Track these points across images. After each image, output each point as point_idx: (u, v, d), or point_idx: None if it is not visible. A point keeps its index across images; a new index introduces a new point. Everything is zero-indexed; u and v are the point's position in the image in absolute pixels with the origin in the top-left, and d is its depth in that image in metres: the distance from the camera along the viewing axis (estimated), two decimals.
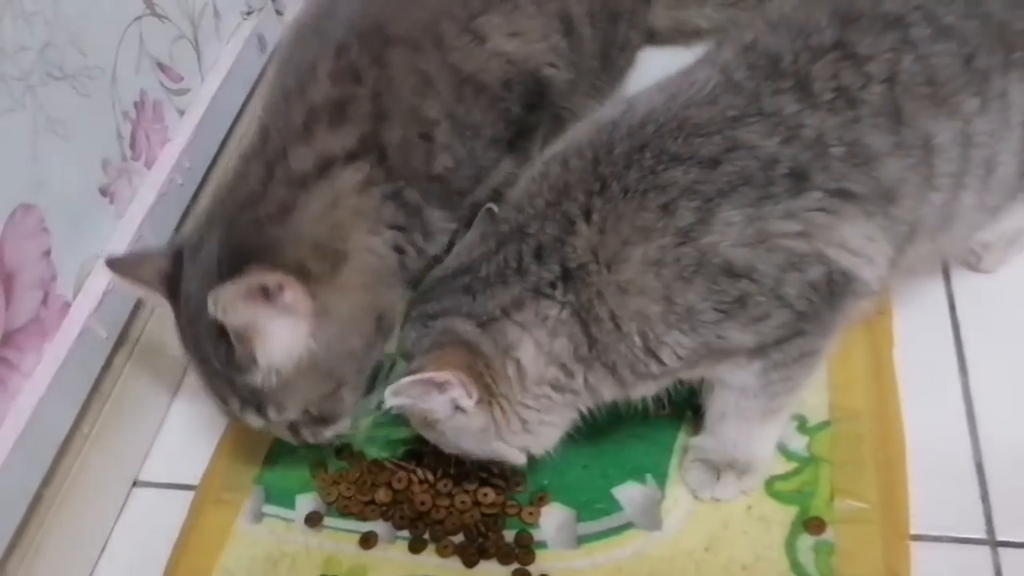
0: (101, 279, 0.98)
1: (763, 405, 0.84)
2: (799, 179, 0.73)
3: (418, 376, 0.75)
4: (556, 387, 0.79)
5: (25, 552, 0.88)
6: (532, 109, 1.00)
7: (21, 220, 0.89)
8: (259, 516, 0.97)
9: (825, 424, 0.93)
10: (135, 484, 1.04)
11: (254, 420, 0.87)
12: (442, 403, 0.77)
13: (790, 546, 0.86)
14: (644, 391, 0.81)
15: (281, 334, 0.82)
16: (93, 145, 1.00)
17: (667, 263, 0.73)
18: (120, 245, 1.01)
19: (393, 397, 0.76)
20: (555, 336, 0.76)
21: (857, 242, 0.76)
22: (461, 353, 0.76)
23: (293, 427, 0.88)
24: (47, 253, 0.93)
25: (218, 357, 0.84)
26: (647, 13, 1.21)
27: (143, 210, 1.05)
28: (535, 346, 0.77)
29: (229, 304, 0.78)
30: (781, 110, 0.75)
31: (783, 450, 0.92)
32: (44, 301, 0.93)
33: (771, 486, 0.90)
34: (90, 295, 0.97)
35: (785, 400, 0.85)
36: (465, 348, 0.77)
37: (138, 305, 1.04)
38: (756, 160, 0.73)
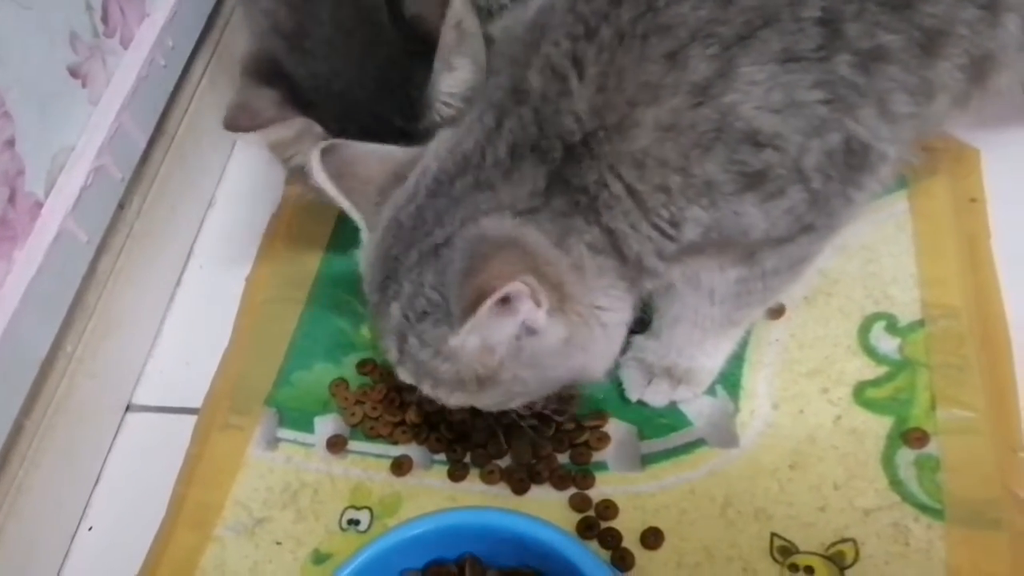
0: (77, 175, 0.84)
1: (726, 314, 0.74)
2: (831, 32, 0.60)
3: (488, 300, 0.57)
4: (620, 275, 0.66)
5: (7, 491, 0.77)
6: None
7: None
8: (274, 442, 0.86)
9: (919, 324, 0.82)
10: (128, 409, 0.92)
11: None
12: (507, 333, 0.63)
13: (888, 461, 0.75)
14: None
15: None
16: (58, 16, 0.84)
17: (683, 128, 0.60)
18: (96, 136, 0.87)
19: (448, 361, 0.64)
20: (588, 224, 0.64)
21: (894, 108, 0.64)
22: (513, 254, 0.60)
23: None
24: (11, 143, 0.78)
25: None
26: None
27: (121, 96, 0.90)
28: (577, 235, 0.63)
29: None
30: None
31: (871, 353, 0.81)
32: (11, 199, 0.78)
33: (861, 394, 0.79)
34: (65, 193, 0.84)
35: (751, 313, 0.76)
36: (513, 247, 0.61)
37: (123, 203, 0.90)
38: None
